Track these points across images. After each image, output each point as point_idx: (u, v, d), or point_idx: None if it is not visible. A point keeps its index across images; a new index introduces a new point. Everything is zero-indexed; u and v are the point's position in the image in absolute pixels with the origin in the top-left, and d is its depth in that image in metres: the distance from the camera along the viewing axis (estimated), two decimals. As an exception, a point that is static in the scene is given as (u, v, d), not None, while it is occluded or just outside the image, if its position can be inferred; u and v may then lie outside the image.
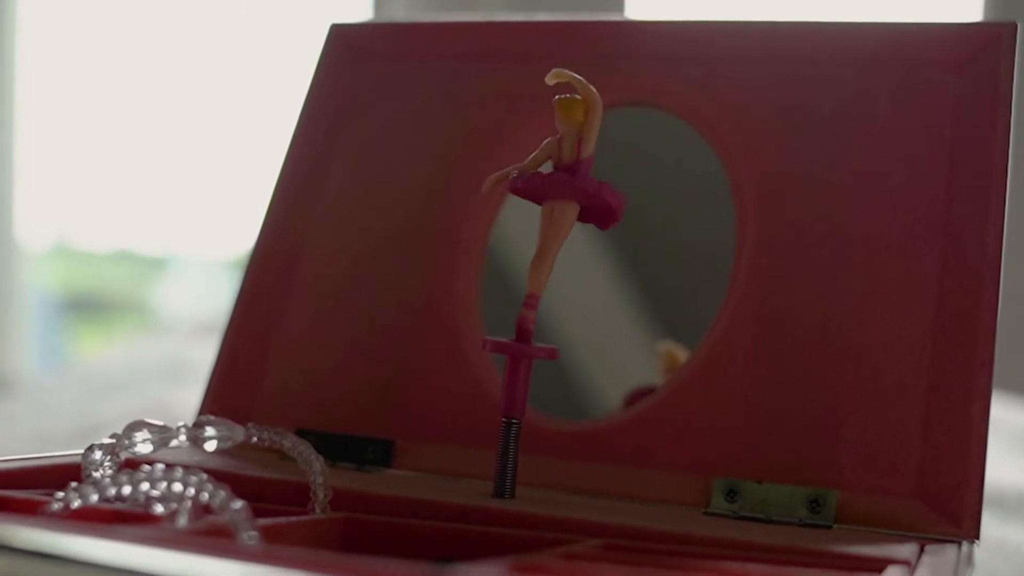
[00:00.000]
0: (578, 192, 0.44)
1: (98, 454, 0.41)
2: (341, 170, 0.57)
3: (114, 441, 0.41)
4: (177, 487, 0.36)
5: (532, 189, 0.45)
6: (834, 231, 0.48)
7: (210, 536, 0.34)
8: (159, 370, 1.27)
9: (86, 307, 2.37)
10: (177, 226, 2.20)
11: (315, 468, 0.43)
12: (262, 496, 0.44)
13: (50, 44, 2.08)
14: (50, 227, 2.17)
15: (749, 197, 0.50)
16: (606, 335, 0.62)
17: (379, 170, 0.57)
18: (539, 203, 0.45)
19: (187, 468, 0.36)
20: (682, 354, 0.55)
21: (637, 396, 0.56)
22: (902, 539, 0.42)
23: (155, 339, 1.75)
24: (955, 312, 0.46)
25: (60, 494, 0.36)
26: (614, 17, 0.56)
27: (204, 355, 0.60)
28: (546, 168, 0.45)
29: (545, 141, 0.45)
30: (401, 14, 1.64)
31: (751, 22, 0.52)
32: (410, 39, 0.58)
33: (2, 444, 0.87)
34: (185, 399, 0.94)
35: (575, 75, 0.44)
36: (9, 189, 1.96)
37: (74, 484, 0.36)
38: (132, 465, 0.39)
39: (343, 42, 0.58)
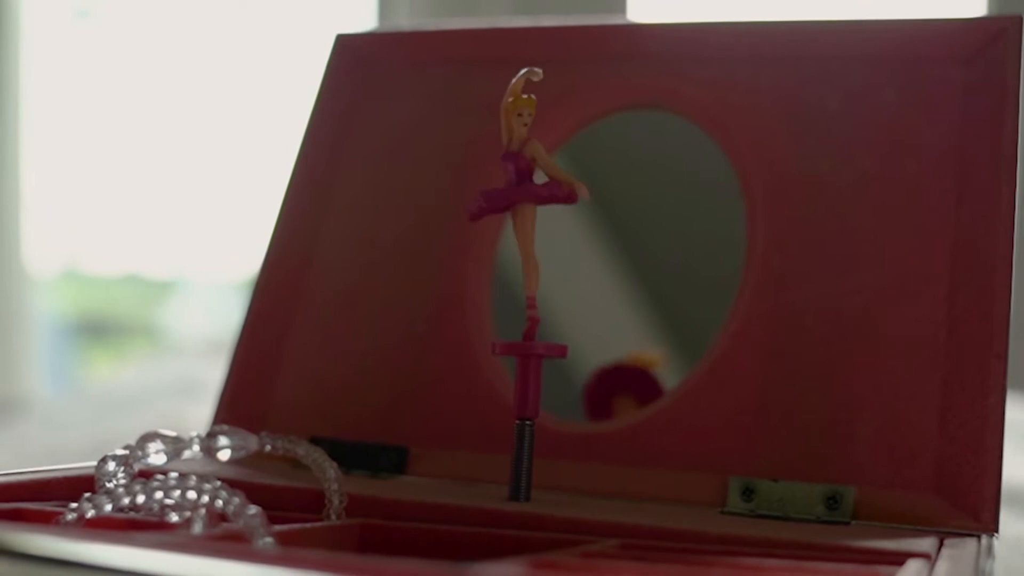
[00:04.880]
0: (528, 194, 0.45)
1: (111, 465, 0.40)
2: (349, 179, 0.57)
3: (127, 452, 0.41)
4: (191, 495, 0.36)
5: (492, 207, 0.46)
6: (845, 228, 0.48)
7: (226, 541, 0.34)
8: (170, 390, 1.28)
9: (96, 330, 2.37)
10: (185, 248, 2.20)
11: (329, 475, 0.43)
12: (277, 504, 0.43)
13: (55, 66, 2.08)
14: (59, 252, 2.18)
15: (758, 196, 0.50)
16: (616, 337, 0.62)
17: (387, 178, 0.57)
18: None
19: (201, 476, 0.36)
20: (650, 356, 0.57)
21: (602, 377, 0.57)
22: (921, 533, 0.42)
23: (165, 360, 1.76)
24: (968, 306, 0.46)
25: (74, 505, 0.36)
26: (617, 20, 0.56)
27: (215, 374, 0.60)
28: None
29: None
30: (405, 22, 1.64)
31: (756, 22, 0.52)
32: (415, 46, 0.58)
33: (14, 462, 0.87)
34: (196, 417, 0.94)
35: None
36: (17, 215, 1.96)
37: (88, 495, 0.36)
38: (146, 476, 0.39)
39: (349, 52, 0.58)
